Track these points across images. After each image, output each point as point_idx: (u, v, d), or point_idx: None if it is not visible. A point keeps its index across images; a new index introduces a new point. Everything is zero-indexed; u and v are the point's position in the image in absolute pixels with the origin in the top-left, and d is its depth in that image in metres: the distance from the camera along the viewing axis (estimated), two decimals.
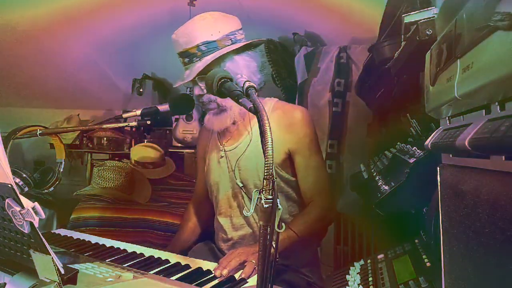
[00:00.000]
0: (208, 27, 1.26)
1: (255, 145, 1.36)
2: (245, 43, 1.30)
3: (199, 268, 1.16)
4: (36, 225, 0.77)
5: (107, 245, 1.39)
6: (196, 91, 1.33)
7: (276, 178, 0.73)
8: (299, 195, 1.42)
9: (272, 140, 0.71)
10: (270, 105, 1.40)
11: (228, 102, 1.30)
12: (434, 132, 0.69)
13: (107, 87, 3.69)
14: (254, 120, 1.37)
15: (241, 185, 1.39)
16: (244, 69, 1.29)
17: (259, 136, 1.38)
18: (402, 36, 1.17)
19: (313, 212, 1.36)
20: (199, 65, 1.25)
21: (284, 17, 2.59)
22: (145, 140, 3.44)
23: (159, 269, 1.15)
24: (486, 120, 0.48)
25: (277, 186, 0.73)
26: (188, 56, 1.28)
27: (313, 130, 1.39)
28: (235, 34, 1.29)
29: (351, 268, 1.04)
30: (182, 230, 1.63)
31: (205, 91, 1.30)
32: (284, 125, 1.35)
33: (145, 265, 1.19)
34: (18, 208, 0.75)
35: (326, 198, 1.39)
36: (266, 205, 0.71)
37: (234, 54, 1.29)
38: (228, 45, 1.27)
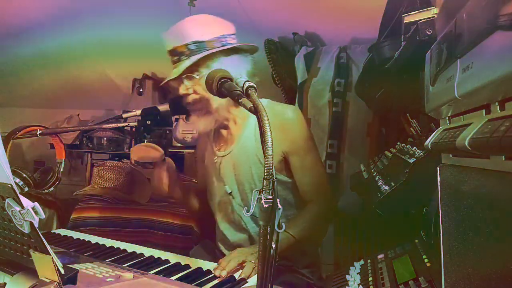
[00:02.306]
0: (200, 28, 1.25)
1: (243, 151, 1.35)
2: (233, 45, 1.28)
3: (199, 268, 1.16)
4: (36, 225, 0.77)
5: (107, 245, 1.39)
6: (181, 90, 1.30)
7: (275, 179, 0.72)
8: (296, 197, 1.40)
9: (272, 141, 0.71)
10: None
11: (213, 104, 1.28)
12: (434, 132, 0.69)
13: (107, 87, 3.69)
14: (247, 125, 1.36)
15: (229, 191, 1.39)
16: (231, 72, 1.27)
17: (247, 142, 1.36)
18: (402, 36, 1.17)
19: (312, 212, 1.35)
20: (187, 63, 1.24)
21: (284, 17, 2.59)
22: (145, 140, 3.43)
23: (159, 269, 1.15)
24: (486, 120, 0.48)
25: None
26: (177, 54, 1.27)
27: (306, 129, 1.37)
28: (227, 38, 1.28)
29: (351, 268, 1.04)
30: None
31: (190, 91, 1.29)
32: (277, 126, 1.31)
33: (145, 265, 1.19)
34: (18, 208, 0.75)
35: (325, 197, 1.38)
36: (266, 205, 0.71)
37: (222, 56, 1.27)
38: (218, 47, 1.26)
